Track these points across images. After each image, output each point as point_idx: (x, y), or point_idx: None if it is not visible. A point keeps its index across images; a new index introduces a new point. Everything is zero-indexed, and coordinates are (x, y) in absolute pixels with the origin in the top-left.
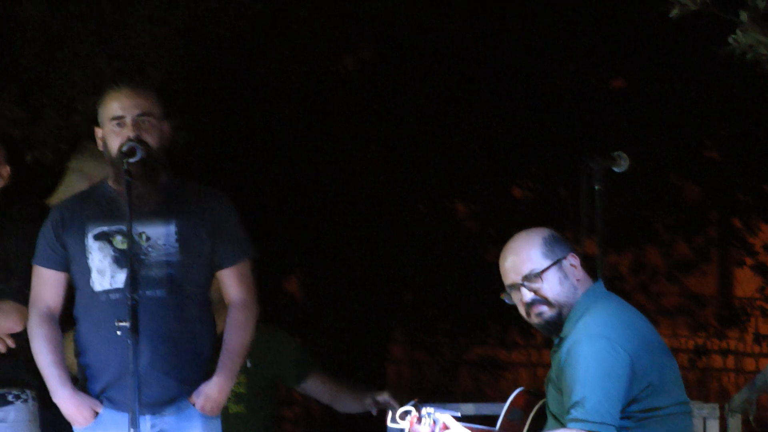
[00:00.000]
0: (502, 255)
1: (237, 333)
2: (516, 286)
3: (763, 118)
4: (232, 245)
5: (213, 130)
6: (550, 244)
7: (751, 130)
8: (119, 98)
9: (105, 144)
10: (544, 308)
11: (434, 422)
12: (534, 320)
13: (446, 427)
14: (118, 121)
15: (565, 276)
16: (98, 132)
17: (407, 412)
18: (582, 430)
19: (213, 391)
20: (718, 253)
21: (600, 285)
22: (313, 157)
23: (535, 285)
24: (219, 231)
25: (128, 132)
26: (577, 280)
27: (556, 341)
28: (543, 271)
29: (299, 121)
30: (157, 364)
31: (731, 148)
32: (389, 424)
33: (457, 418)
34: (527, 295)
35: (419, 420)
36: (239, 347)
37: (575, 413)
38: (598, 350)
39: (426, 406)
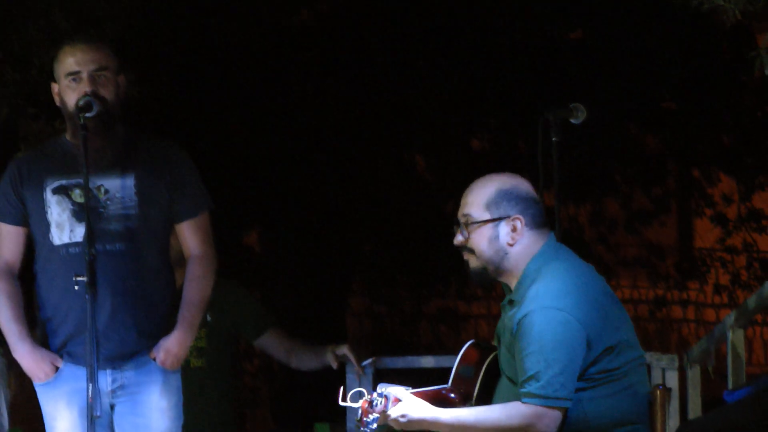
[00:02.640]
0: (468, 186)
1: (196, 286)
2: (457, 223)
3: (720, 69)
4: (191, 198)
5: (169, 84)
6: (499, 199)
7: (709, 81)
8: (75, 53)
9: (61, 99)
10: (470, 257)
11: (386, 398)
12: (464, 261)
13: (398, 400)
14: (74, 76)
15: (497, 237)
16: (54, 87)
17: (359, 393)
18: (536, 405)
19: (173, 345)
20: (677, 204)
21: (551, 243)
22: (270, 109)
23: (466, 232)
24: (177, 184)
25: (84, 87)
26: (509, 244)
27: (505, 300)
28: (476, 222)
29: (256, 74)
30: (116, 318)
31: (689, 99)
32: (340, 403)
33: (409, 390)
34: (457, 237)
35: (370, 404)
36: (198, 300)
37: (529, 387)
38: (551, 322)
39: (377, 388)
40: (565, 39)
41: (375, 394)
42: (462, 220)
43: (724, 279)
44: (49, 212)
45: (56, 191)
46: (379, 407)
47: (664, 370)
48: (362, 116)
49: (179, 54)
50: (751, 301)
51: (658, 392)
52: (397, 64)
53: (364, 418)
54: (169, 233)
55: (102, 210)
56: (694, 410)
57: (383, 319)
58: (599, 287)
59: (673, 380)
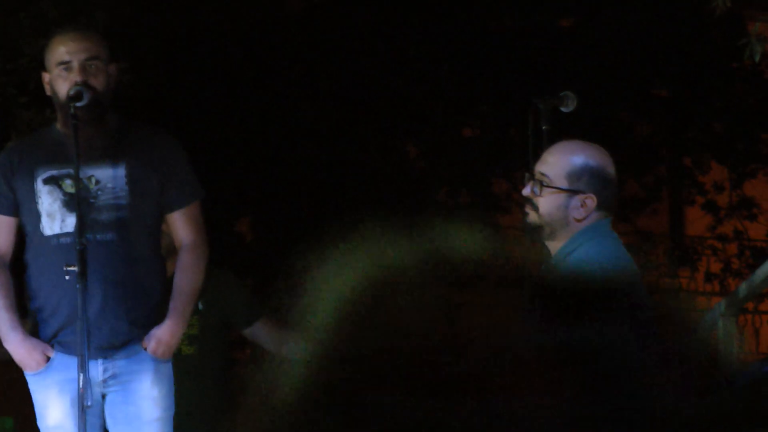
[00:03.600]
0: (558, 143)
1: (187, 275)
2: (532, 175)
3: (711, 56)
4: (182, 187)
5: (160, 72)
6: (582, 173)
7: (700, 68)
8: (66, 42)
9: (52, 88)
10: (531, 212)
11: None
12: (524, 210)
13: None
14: (65, 65)
15: (566, 207)
16: (45, 77)
17: None
18: None
19: (165, 334)
20: (668, 192)
21: (606, 223)
22: (261, 97)
23: (537, 189)
24: (168, 173)
25: (75, 76)
26: (575, 219)
27: (543, 266)
28: (551, 187)
29: (246, 62)
30: (108, 308)
31: (680, 86)
32: None
33: None
34: (527, 188)
35: None
36: (190, 290)
37: None
38: None
39: None
40: (555, 27)
41: None
42: (537, 176)
43: (716, 267)
44: (39, 202)
45: (47, 181)
46: None
47: None
48: (353, 104)
49: (169, 42)
50: (742, 288)
51: None
52: (388, 52)
53: None
54: (160, 223)
55: (93, 200)
56: None
57: None
58: (637, 276)
59: None
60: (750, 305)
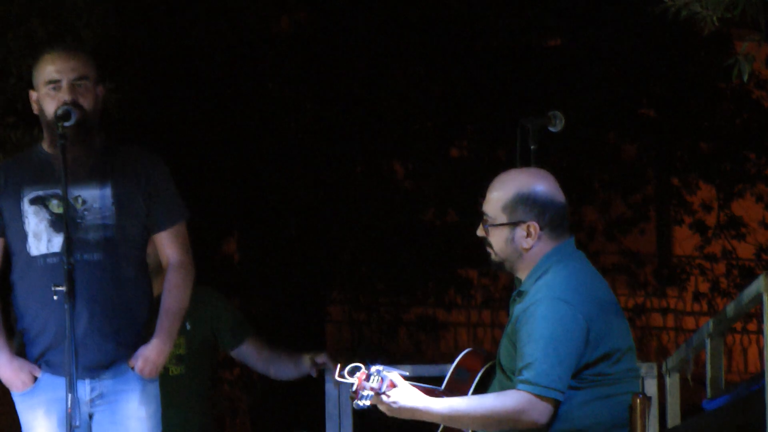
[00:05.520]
0: (495, 178)
1: (174, 294)
2: (482, 213)
3: (698, 76)
4: (168, 208)
5: (147, 92)
6: (515, 203)
7: (688, 88)
8: (55, 61)
9: (40, 107)
10: (490, 250)
11: (382, 380)
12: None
13: (394, 386)
14: (53, 84)
15: (513, 240)
16: (33, 95)
17: (356, 368)
18: (530, 392)
19: (152, 353)
20: (656, 212)
21: (568, 244)
22: (249, 118)
23: (486, 227)
24: (154, 194)
25: (64, 96)
26: (524, 248)
27: (515, 293)
28: (493, 225)
29: (234, 83)
30: (95, 327)
31: (668, 106)
32: (336, 377)
33: (405, 377)
34: (479, 230)
35: (367, 377)
36: (177, 309)
37: (526, 375)
38: (555, 313)
39: (375, 365)
40: (543, 47)
41: (373, 368)
42: (484, 217)
43: (704, 287)
44: (26, 222)
45: (33, 201)
46: (375, 384)
47: (643, 378)
48: (341, 124)
49: (157, 62)
50: (730, 308)
51: (638, 400)
52: (376, 73)
53: (360, 391)
54: (146, 243)
55: (80, 220)
56: (673, 418)
57: (362, 327)
58: (607, 295)
59: (652, 388)
60: (738, 325)
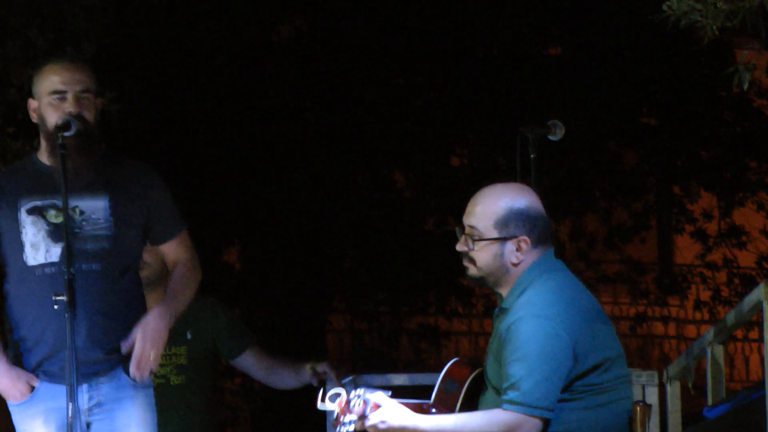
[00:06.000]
0: (478, 192)
1: (182, 280)
2: (462, 228)
3: (698, 84)
4: (169, 221)
5: (147, 101)
6: (510, 218)
7: (688, 96)
8: (60, 72)
9: (40, 116)
10: (470, 265)
11: (365, 402)
12: (463, 264)
13: (378, 406)
14: (58, 95)
15: (502, 255)
16: (32, 104)
17: (336, 395)
18: (516, 412)
19: (152, 318)
20: (657, 220)
21: (548, 256)
22: (249, 126)
23: (470, 243)
24: (153, 208)
25: (70, 107)
26: (513, 264)
27: (497, 310)
28: (483, 240)
29: (235, 91)
30: (93, 336)
31: (668, 114)
32: (318, 406)
33: (389, 396)
34: (461, 245)
35: (348, 403)
36: (183, 290)
37: (511, 395)
38: (539, 331)
39: (356, 388)
40: (543, 55)
41: (353, 394)
42: (468, 230)
43: (705, 295)
44: (24, 232)
45: (31, 212)
46: (358, 409)
47: (644, 387)
48: (341, 132)
49: (157, 71)
50: (730, 316)
51: (638, 408)
52: (376, 80)
53: (341, 418)
54: (141, 254)
55: (78, 230)
56: (674, 426)
57: (363, 336)
58: (590, 304)
59: (653, 396)
60: (739, 333)
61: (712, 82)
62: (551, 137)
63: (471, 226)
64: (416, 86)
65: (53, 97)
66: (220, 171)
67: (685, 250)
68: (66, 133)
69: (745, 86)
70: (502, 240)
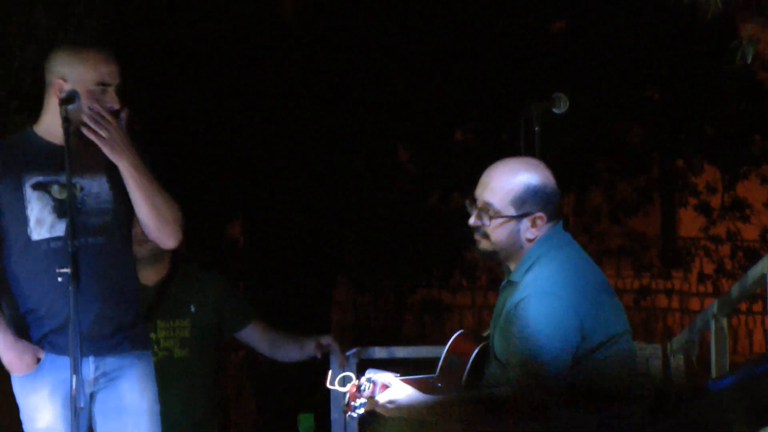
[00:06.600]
0: (492, 165)
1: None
2: (474, 202)
3: (703, 59)
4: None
5: (150, 76)
6: (527, 196)
7: (692, 71)
8: (108, 64)
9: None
10: (482, 240)
11: (374, 384)
12: (474, 238)
13: (386, 387)
14: (103, 87)
15: (517, 231)
16: (60, 83)
17: (347, 378)
18: None
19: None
20: (661, 194)
21: (557, 230)
22: (253, 102)
23: (485, 218)
24: None
25: (112, 103)
26: (528, 239)
27: (504, 282)
28: (499, 217)
29: (238, 67)
30: (103, 311)
31: (672, 89)
32: (328, 385)
33: (396, 377)
34: (473, 219)
35: (359, 388)
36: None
37: (518, 371)
38: (547, 309)
39: (365, 373)
40: (547, 30)
41: (363, 379)
42: (482, 205)
43: (709, 268)
44: (29, 207)
45: (36, 187)
46: (367, 392)
47: (648, 360)
48: (346, 109)
49: (160, 46)
50: (734, 289)
51: None
52: (380, 57)
53: (351, 402)
54: (132, 227)
55: (80, 206)
56: None
57: (367, 310)
58: (598, 280)
59: (657, 369)
60: (743, 306)
61: (716, 57)
62: (556, 110)
63: (486, 203)
64: (420, 61)
65: (98, 87)
66: (224, 147)
67: (689, 223)
68: (69, 107)
69: (749, 60)
70: (519, 217)
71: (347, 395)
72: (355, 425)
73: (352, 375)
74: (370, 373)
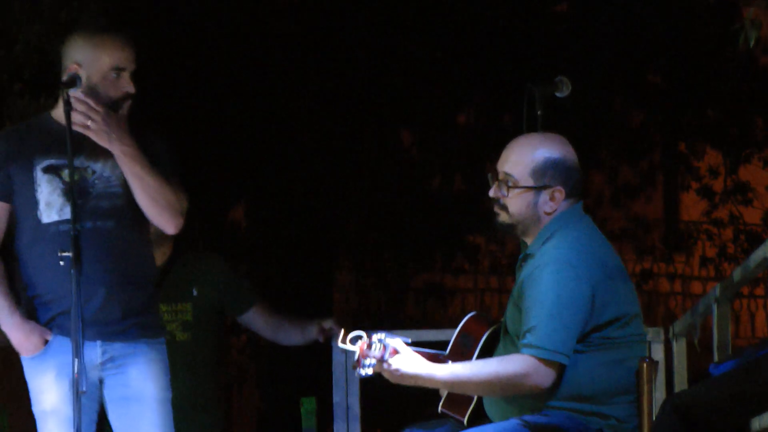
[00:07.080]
0: (514, 139)
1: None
2: (495, 175)
3: (705, 42)
4: (165, 170)
5: (153, 59)
6: (547, 168)
7: (694, 54)
8: (124, 48)
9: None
10: (501, 212)
11: (384, 347)
12: (493, 211)
13: (396, 353)
14: (118, 72)
15: (536, 204)
16: (76, 69)
17: (358, 337)
18: (534, 356)
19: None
20: (663, 178)
21: (577, 209)
22: (256, 84)
23: (504, 189)
24: (154, 164)
25: (127, 87)
26: (546, 213)
27: (521, 256)
28: (518, 187)
29: (240, 51)
30: (108, 293)
31: (675, 72)
32: (339, 344)
33: (408, 344)
34: (493, 190)
35: (369, 346)
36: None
37: (530, 338)
38: (561, 277)
39: (377, 333)
40: (549, 12)
41: (375, 337)
42: (502, 177)
43: (711, 252)
44: (39, 190)
45: (46, 170)
46: (377, 353)
47: (650, 343)
48: (348, 92)
49: (162, 29)
50: (737, 273)
51: (645, 365)
52: (382, 40)
53: (362, 360)
54: None
55: (91, 189)
56: (680, 383)
57: (369, 294)
58: (613, 261)
59: (659, 353)
60: (745, 290)
61: (719, 40)
62: (558, 94)
63: (506, 173)
64: (422, 44)
65: (114, 71)
66: (227, 130)
67: (691, 207)
68: (71, 90)
69: (752, 43)
70: (537, 189)
71: (357, 353)
72: (357, 409)
73: (364, 334)
74: (382, 334)
